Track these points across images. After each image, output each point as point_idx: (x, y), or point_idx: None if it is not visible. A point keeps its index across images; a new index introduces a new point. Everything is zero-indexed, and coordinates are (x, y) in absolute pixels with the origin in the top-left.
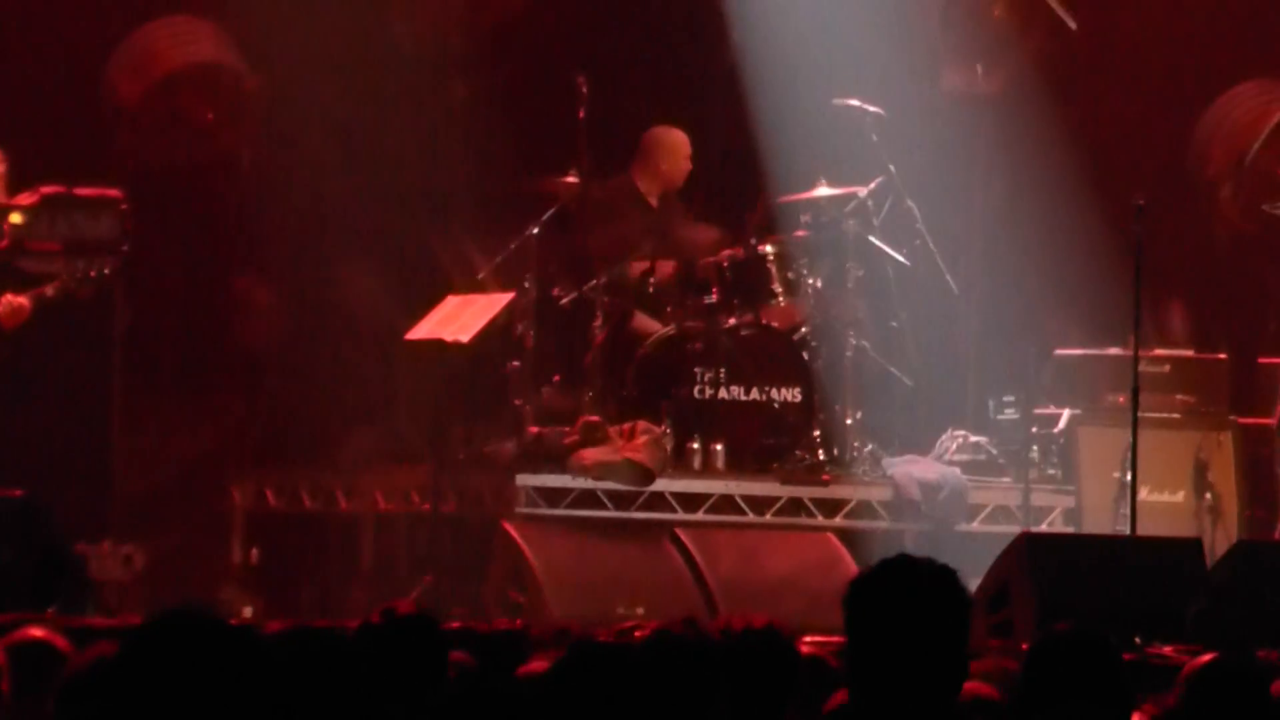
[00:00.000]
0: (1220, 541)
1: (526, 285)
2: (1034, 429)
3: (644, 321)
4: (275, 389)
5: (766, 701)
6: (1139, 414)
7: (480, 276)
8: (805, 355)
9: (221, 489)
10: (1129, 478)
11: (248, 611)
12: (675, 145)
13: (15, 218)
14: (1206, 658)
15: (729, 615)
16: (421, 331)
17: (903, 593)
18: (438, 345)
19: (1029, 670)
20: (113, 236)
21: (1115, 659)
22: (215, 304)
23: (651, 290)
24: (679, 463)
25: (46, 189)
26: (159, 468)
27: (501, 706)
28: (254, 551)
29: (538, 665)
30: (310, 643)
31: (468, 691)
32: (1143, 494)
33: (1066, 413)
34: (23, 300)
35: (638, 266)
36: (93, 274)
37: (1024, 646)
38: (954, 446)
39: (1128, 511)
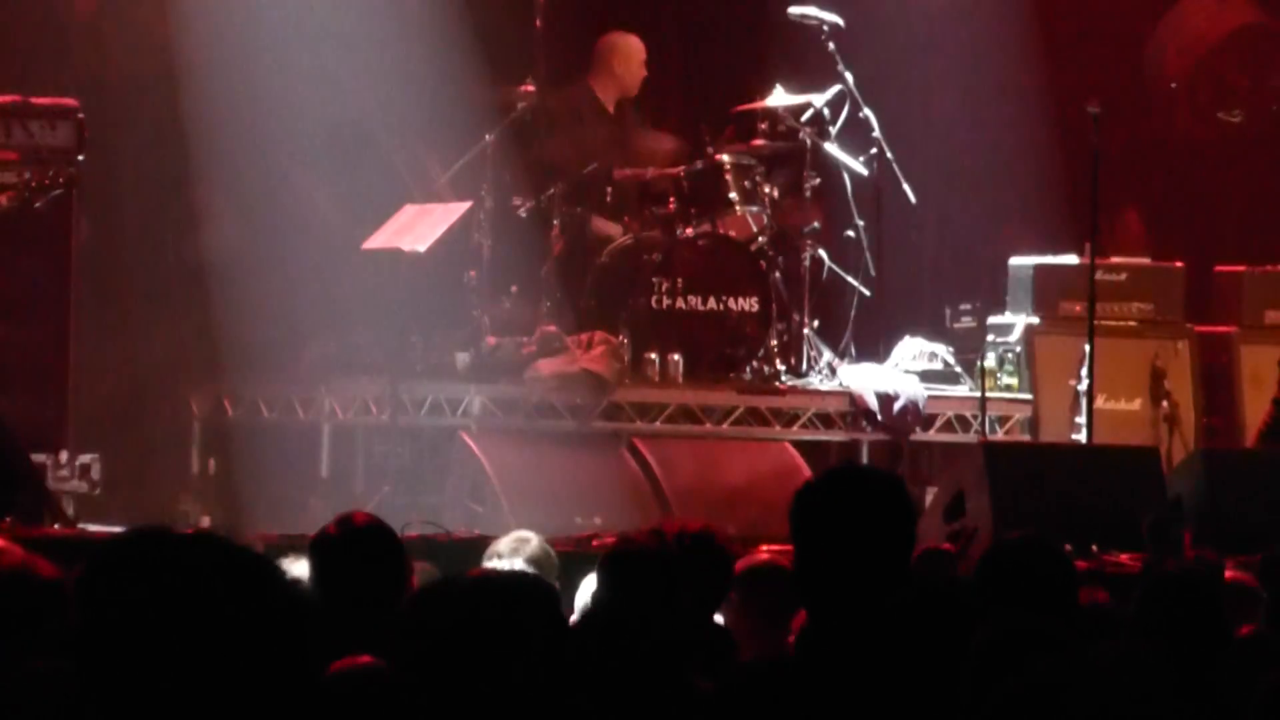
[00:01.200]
0: (1177, 449)
1: (484, 194)
2: (990, 337)
3: (602, 226)
4: (232, 299)
5: (703, 600)
6: (1096, 322)
7: (437, 186)
8: (762, 265)
9: (179, 399)
10: (1086, 386)
11: (205, 521)
12: (630, 51)
13: None
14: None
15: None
16: (378, 241)
17: (848, 501)
18: (395, 255)
19: (982, 577)
20: (69, 146)
21: (1068, 566)
22: (172, 214)
23: (609, 200)
24: (636, 373)
25: (2, 99)
26: (116, 378)
27: (468, 608)
28: (211, 461)
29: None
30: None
31: (434, 595)
32: (1100, 402)
33: (1023, 321)
34: None
35: (595, 176)
36: (48, 183)
37: (979, 554)
38: (911, 355)
39: (1085, 420)
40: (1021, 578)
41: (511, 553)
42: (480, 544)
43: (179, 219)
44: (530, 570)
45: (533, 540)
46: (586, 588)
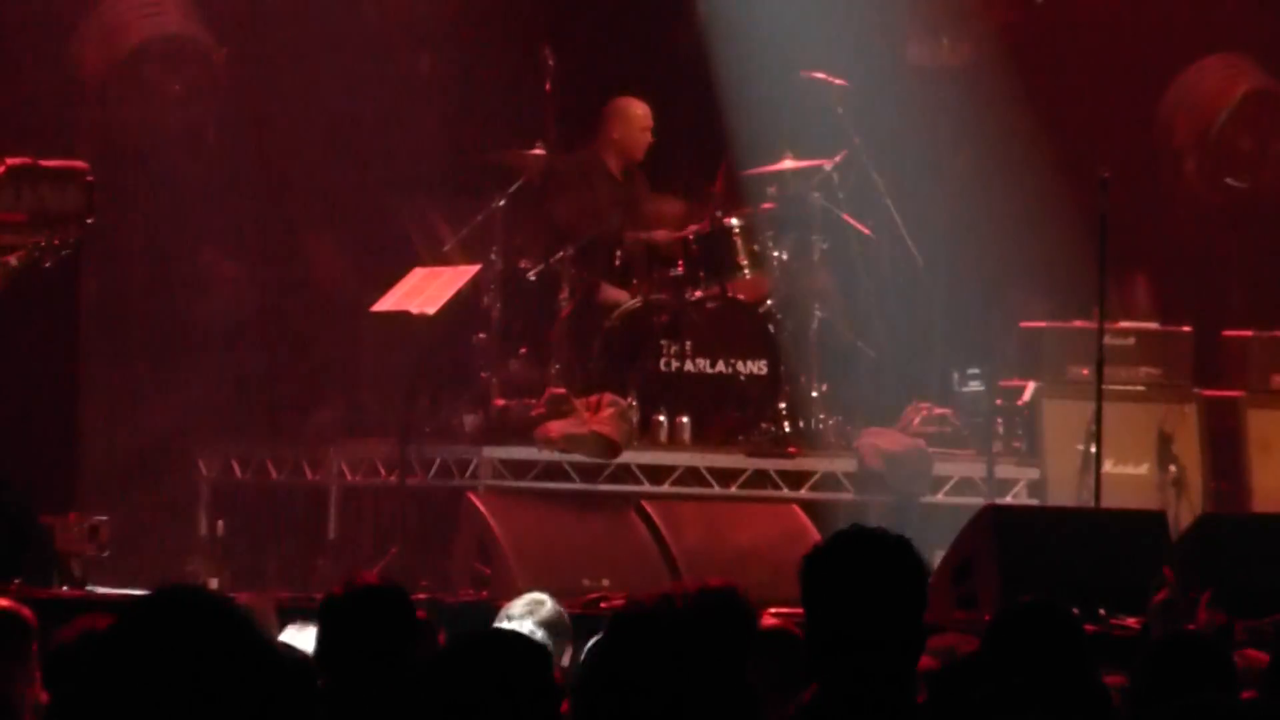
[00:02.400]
0: (1185, 514)
1: (493, 258)
2: (999, 401)
3: (610, 293)
4: (241, 361)
5: (726, 660)
6: (1104, 386)
7: (446, 249)
8: (771, 328)
9: (188, 461)
10: (1093, 450)
11: (214, 583)
12: (630, 116)
13: None
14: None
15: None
16: (387, 304)
17: (857, 564)
18: (403, 317)
19: (991, 641)
20: (78, 208)
21: (1077, 630)
22: (181, 276)
23: (618, 263)
24: (645, 435)
25: (12, 160)
26: (125, 440)
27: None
28: (220, 523)
29: None
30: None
31: (445, 657)
32: (1107, 466)
33: (1031, 385)
34: None
35: (603, 239)
36: (58, 244)
37: (988, 618)
38: (919, 419)
39: (1092, 484)
40: (1030, 642)
41: (525, 615)
42: (487, 606)
43: (188, 281)
44: (541, 633)
45: (547, 603)
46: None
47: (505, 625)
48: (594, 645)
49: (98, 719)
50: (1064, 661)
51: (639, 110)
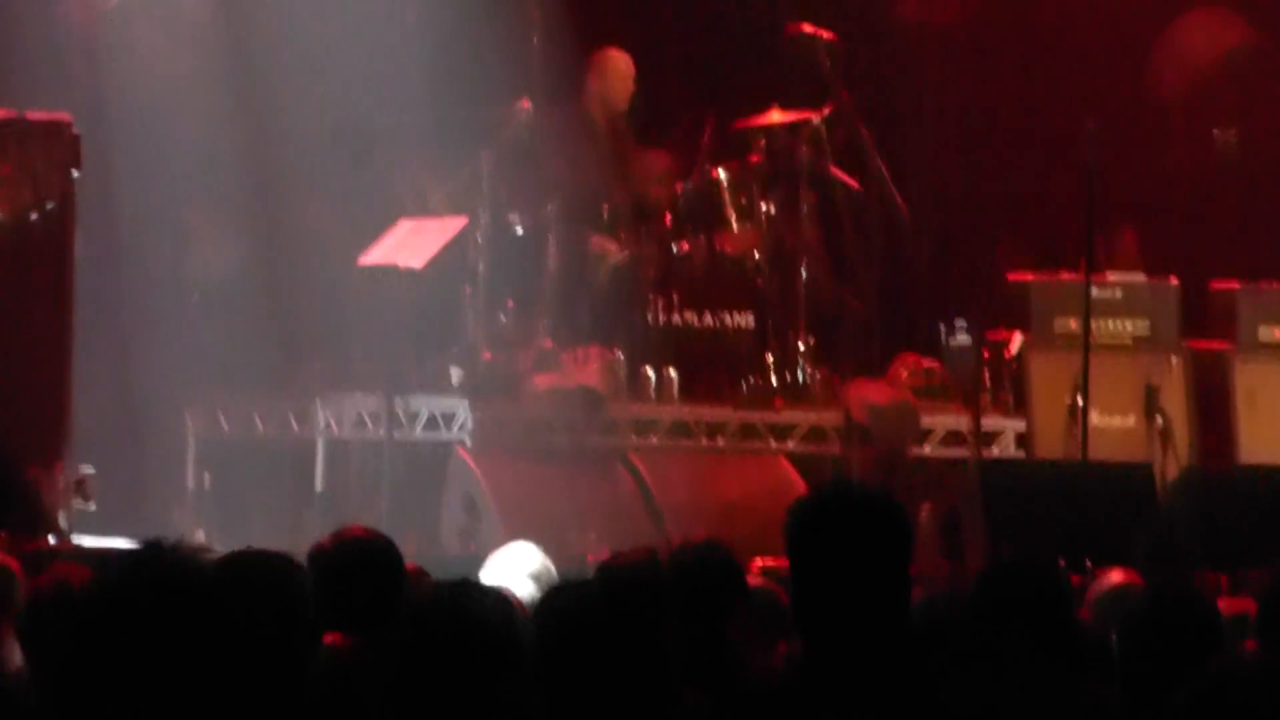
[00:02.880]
0: (1171, 466)
1: (480, 211)
2: (985, 354)
3: (598, 242)
4: (228, 315)
5: (711, 614)
6: (1091, 339)
7: (433, 201)
8: (758, 281)
9: (175, 414)
10: (1080, 402)
11: (200, 536)
12: (610, 68)
13: None
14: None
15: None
16: (374, 257)
17: (842, 520)
18: (390, 271)
19: (978, 596)
20: (64, 161)
21: (1064, 585)
22: (168, 230)
23: (605, 217)
24: (632, 389)
25: None
26: (112, 393)
27: (464, 624)
28: (207, 476)
29: None
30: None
31: (431, 610)
32: (1094, 419)
33: (1018, 337)
34: None
35: (591, 193)
36: (44, 198)
37: (975, 570)
38: (906, 371)
39: (1079, 436)
40: (1018, 596)
41: (511, 566)
42: (474, 559)
43: (175, 235)
44: (529, 585)
45: (532, 553)
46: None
47: (489, 578)
48: (555, 592)
49: (75, 677)
50: (1052, 614)
51: (621, 61)
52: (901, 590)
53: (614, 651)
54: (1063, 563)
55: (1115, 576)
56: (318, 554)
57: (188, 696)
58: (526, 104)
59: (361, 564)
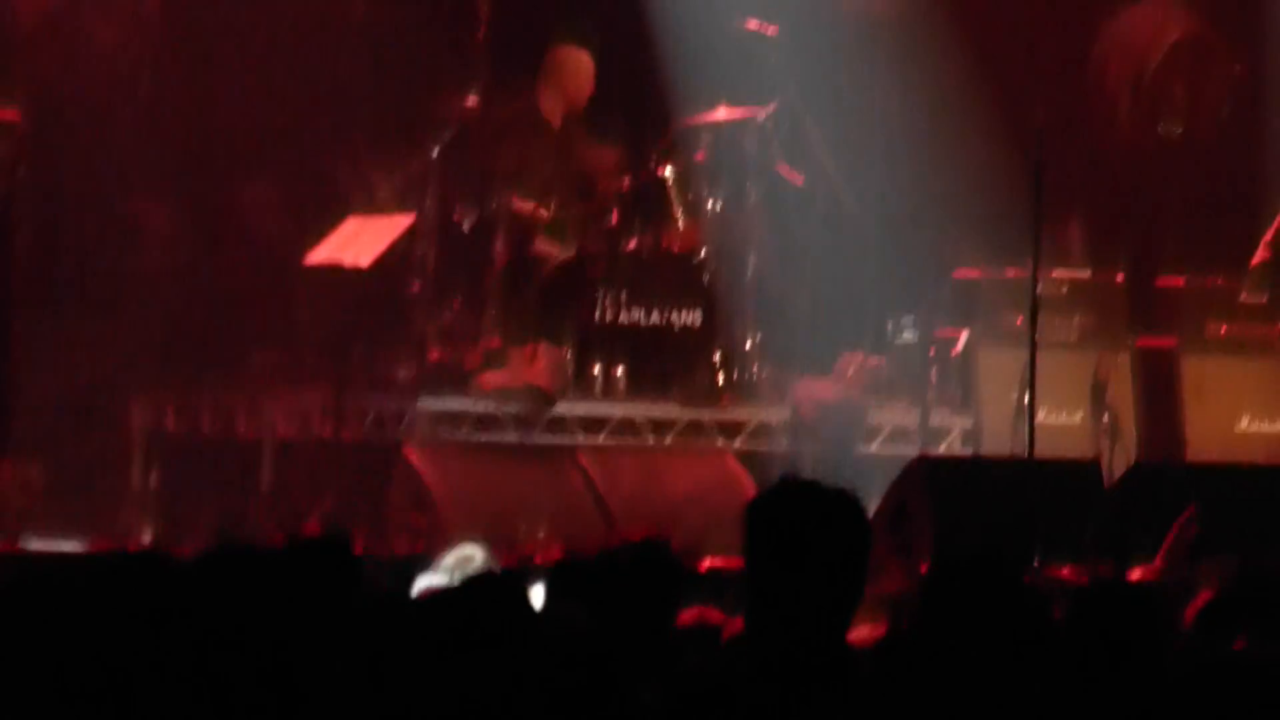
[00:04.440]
0: (1119, 462)
1: (427, 207)
2: (932, 350)
3: (545, 244)
4: (175, 311)
5: (652, 610)
6: (1037, 335)
7: (380, 198)
8: (705, 278)
9: (121, 412)
10: (1027, 399)
11: (146, 535)
12: (579, 67)
13: None
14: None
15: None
16: (321, 255)
17: (801, 515)
18: (337, 268)
19: (926, 595)
20: (9, 157)
21: (1014, 581)
22: (114, 226)
23: (552, 213)
24: (580, 386)
25: None
26: (58, 390)
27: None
28: (153, 474)
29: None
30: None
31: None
32: (1041, 415)
33: (965, 334)
34: None
35: (538, 189)
36: None
37: (923, 567)
38: (853, 368)
39: (1026, 433)
40: (966, 592)
41: (455, 567)
42: (422, 558)
43: (121, 230)
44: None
45: (476, 555)
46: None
47: (434, 579)
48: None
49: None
50: (1002, 613)
51: (586, 61)
52: (858, 585)
53: (563, 648)
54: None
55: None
56: (271, 554)
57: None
58: (474, 100)
59: (316, 563)
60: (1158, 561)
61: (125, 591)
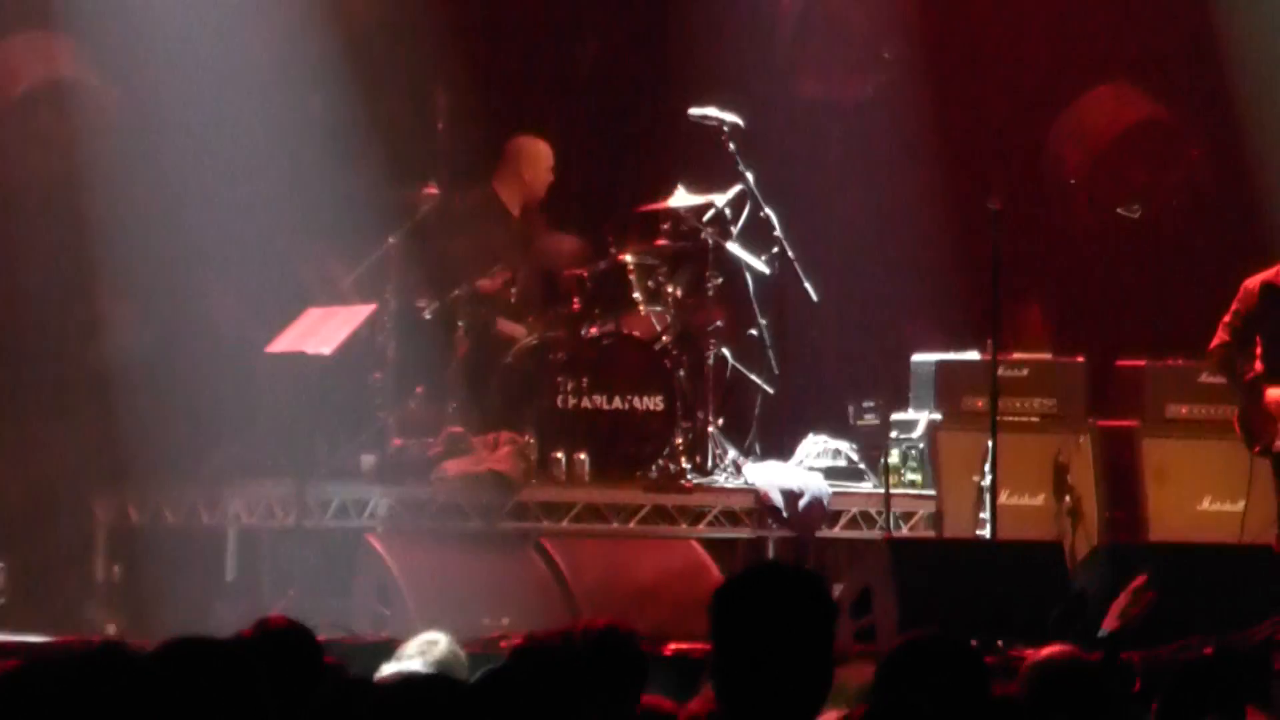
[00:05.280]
0: (1081, 544)
1: (388, 296)
2: (894, 434)
3: (506, 331)
4: (136, 404)
5: (616, 698)
6: (998, 418)
7: (341, 288)
8: (666, 364)
9: (84, 506)
10: (989, 481)
11: (111, 629)
12: (538, 155)
13: None
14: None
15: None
16: (282, 344)
17: (769, 600)
18: (299, 358)
19: (884, 676)
20: None
21: (975, 661)
22: (74, 319)
23: (514, 301)
24: (543, 472)
25: None
26: (20, 485)
27: (377, 707)
28: (116, 568)
29: None
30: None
31: (341, 695)
32: (1003, 498)
33: (926, 417)
34: None
35: (500, 277)
36: None
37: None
38: (815, 452)
39: (989, 515)
40: (929, 674)
41: (419, 654)
42: (388, 647)
43: (82, 324)
44: (437, 673)
45: (441, 642)
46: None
47: (401, 666)
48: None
49: None
50: (963, 693)
51: (544, 150)
52: (825, 667)
53: None
54: (975, 642)
55: (1051, 649)
56: (238, 644)
57: None
58: (433, 189)
59: (280, 654)
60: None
61: (84, 683)
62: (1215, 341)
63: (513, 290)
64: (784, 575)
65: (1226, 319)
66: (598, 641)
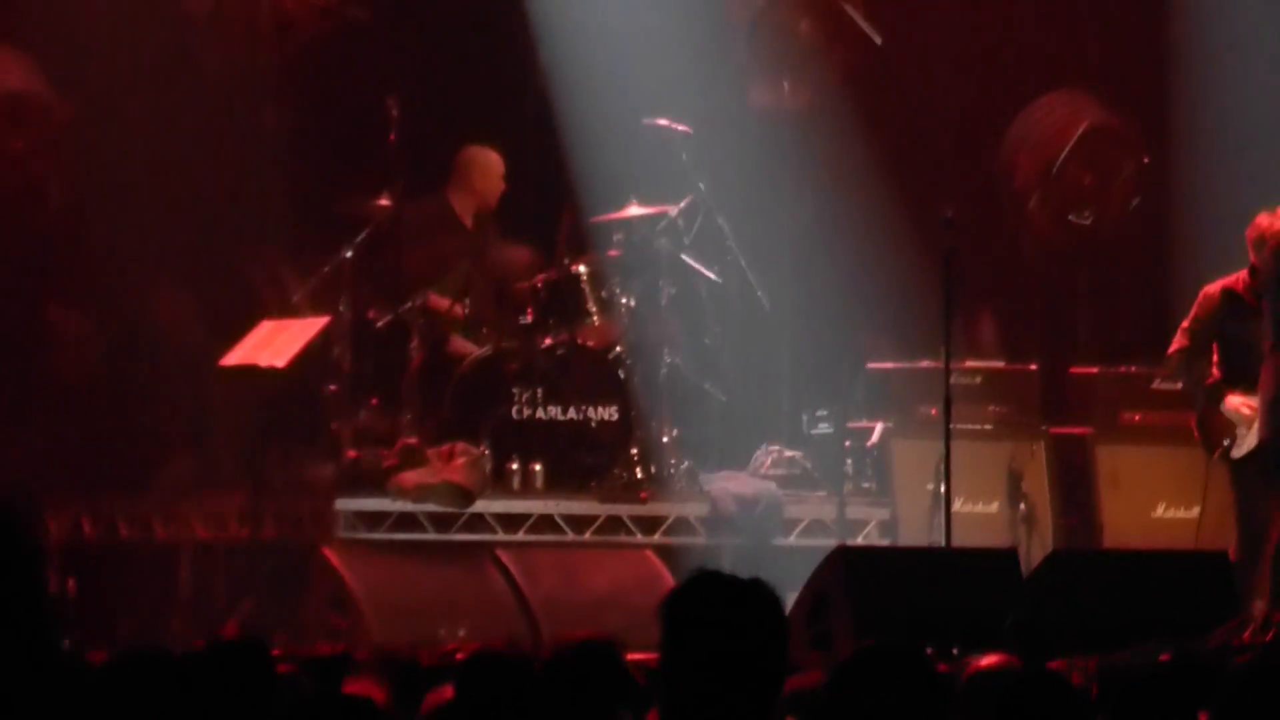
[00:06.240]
0: (1036, 551)
1: (341, 308)
2: (848, 442)
3: (460, 343)
4: (89, 418)
5: (595, 711)
6: (952, 425)
7: (294, 300)
8: (621, 374)
9: (35, 520)
10: (943, 489)
11: (65, 644)
12: (490, 166)
13: None
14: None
15: (556, 635)
16: (236, 357)
17: (717, 607)
18: (253, 371)
19: (836, 686)
20: None
21: (929, 669)
22: (27, 333)
23: (468, 311)
24: (498, 483)
25: None
26: None
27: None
28: (70, 582)
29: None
30: (141, 670)
31: (297, 708)
32: (957, 505)
33: (880, 426)
34: None
35: (453, 287)
36: None
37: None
38: (769, 461)
39: (943, 523)
40: (882, 682)
41: None
42: (342, 659)
43: (34, 336)
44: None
45: None
46: None
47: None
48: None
49: None
50: (916, 704)
51: (496, 160)
52: (776, 679)
53: None
54: (930, 650)
55: (989, 659)
56: (192, 658)
57: None
58: (386, 200)
59: (236, 667)
60: None
61: (38, 697)
62: (1174, 346)
63: (465, 302)
64: (730, 582)
65: (1186, 324)
66: (576, 653)
